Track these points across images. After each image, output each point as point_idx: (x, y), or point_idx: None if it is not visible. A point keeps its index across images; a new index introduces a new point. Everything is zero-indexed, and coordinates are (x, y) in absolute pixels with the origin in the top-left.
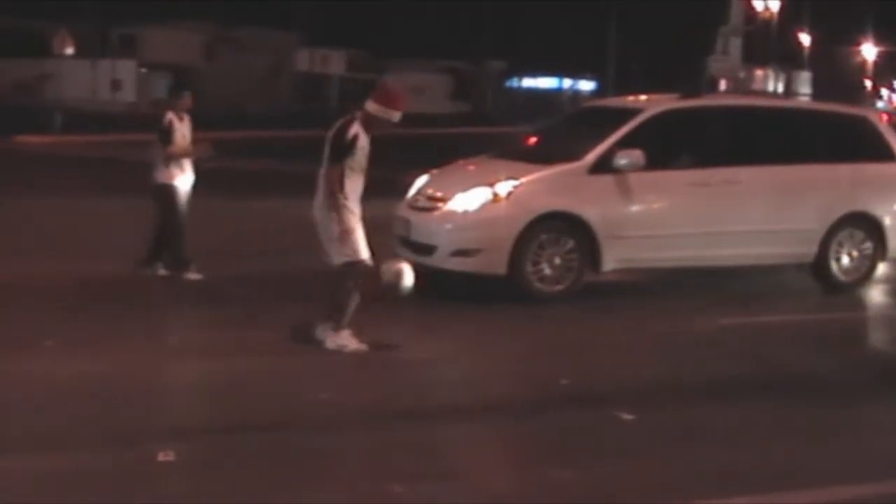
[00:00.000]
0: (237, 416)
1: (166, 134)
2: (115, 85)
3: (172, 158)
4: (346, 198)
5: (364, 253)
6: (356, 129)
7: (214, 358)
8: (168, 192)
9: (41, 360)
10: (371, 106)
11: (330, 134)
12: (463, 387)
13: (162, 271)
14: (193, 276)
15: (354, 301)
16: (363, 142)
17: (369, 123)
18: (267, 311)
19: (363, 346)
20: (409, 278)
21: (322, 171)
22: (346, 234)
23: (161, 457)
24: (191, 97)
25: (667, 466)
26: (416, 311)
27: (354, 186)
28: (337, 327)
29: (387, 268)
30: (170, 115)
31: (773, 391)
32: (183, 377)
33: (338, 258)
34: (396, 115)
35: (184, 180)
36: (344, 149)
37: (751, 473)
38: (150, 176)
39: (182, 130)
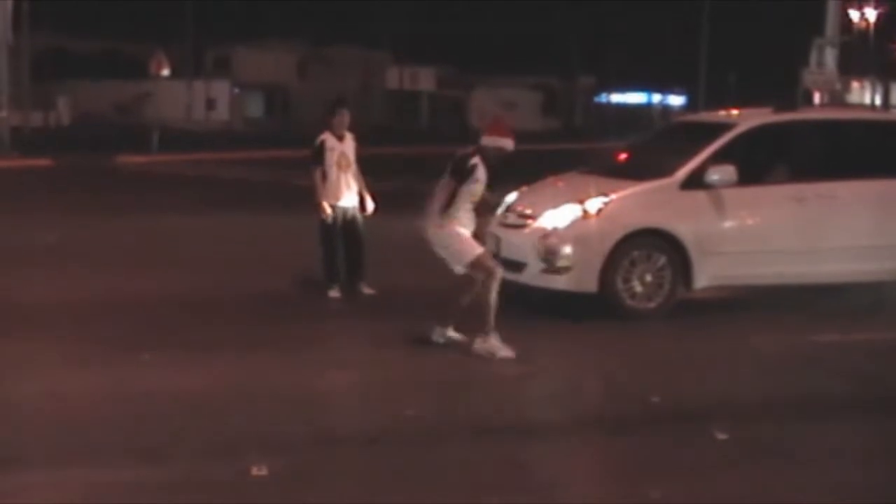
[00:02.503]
0: (337, 428)
1: (317, 154)
2: (210, 104)
3: (324, 178)
4: (455, 212)
5: (477, 247)
6: (476, 160)
7: (345, 369)
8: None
9: (148, 372)
10: (485, 139)
11: (456, 156)
12: (555, 402)
13: (368, 290)
14: (334, 294)
15: (493, 299)
16: (480, 174)
17: (484, 155)
18: (401, 325)
19: (511, 353)
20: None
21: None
22: (457, 238)
23: (255, 471)
24: (346, 115)
25: (760, 485)
26: (507, 327)
27: (464, 210)
28: (485, 331)
29: None
30: (324, 135)
31: (869, 410)
32: (307, 388)
33: (460, 264)
34: (509, 144)
35: (346, 199)
36: (463, 173)
37: (846, 493)
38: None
39: (341, 149)
